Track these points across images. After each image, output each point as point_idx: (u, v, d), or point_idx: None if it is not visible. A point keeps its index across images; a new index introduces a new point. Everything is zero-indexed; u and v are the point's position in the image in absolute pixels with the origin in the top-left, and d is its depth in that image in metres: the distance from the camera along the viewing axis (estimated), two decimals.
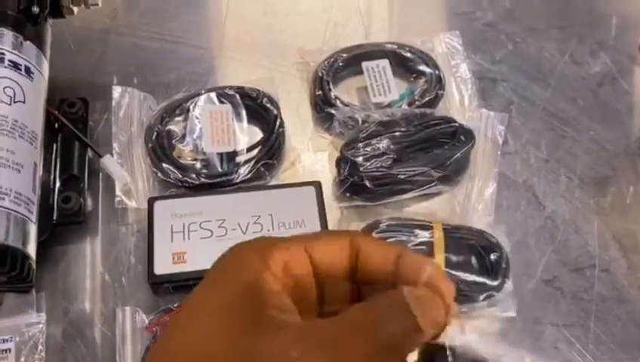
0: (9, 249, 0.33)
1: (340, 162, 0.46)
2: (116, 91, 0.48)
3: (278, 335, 0.20)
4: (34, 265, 0.36)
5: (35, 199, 0.37)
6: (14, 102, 0.38)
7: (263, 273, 0.21)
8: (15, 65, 0.39)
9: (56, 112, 0.45)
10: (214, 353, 0.20)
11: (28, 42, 0.41)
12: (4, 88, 0.37)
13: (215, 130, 0.47)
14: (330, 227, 0.43)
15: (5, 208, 0.34)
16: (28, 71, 0.40)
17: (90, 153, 0.46)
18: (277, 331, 0.20)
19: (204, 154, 0.46)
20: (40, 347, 0.38)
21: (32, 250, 0.36)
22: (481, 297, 0.41)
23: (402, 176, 0.44)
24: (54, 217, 0.42)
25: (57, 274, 0.43)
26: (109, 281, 0.43)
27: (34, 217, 0.37)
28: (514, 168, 0.49)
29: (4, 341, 0.38)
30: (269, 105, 0.48)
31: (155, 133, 0.46)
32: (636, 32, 0.58)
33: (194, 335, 0.21)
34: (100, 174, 0.46)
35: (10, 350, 0.38)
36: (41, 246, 0.41)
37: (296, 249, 0.23)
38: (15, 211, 0.35)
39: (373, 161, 0.44)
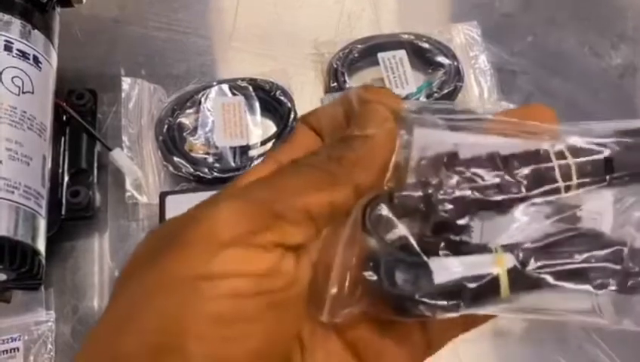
0: (19, 244, 0.32)
1: None
2: (126, 83, 0.46)
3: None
4: (43, 261, 0.34)
5: (44, 193, 0.36)
6: (23, 92, 0.36)
7: None
8: (23, 55, 0.37)
9: (65, 104, 0.44)
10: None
11: (36, 31, 0.39)
12: (13, 78, 0.36)
13: (227, 123, 0.45)
14: None
15: (15, 202, 0.33)
16: (36, 60, 0.38)
17: (99, 146, 0.45)
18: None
19: (217, 147, 0.45)
20: (49, 346, 0.37)
21: (41, 245, 0.35)
22: None
23: None
24: (63, 212, 0.41)
25: (66, 271, 0.41)
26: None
27: (43, 211, 0.35)
28: None
29: (12, 339, 0.37)
30: (282, 97, 0.47)
31: (165, 126, 0.45)
32: None
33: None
34: (109, 168, 0.45)
35: (18, 349, 0.37)
36: (49, 241, 0.40)
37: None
38: (24, 205, 0.33)
39: None
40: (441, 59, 0.49)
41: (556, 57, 0.53)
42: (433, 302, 0.19)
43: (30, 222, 0.34)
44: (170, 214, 0.41)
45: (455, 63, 0.49)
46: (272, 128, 0.46)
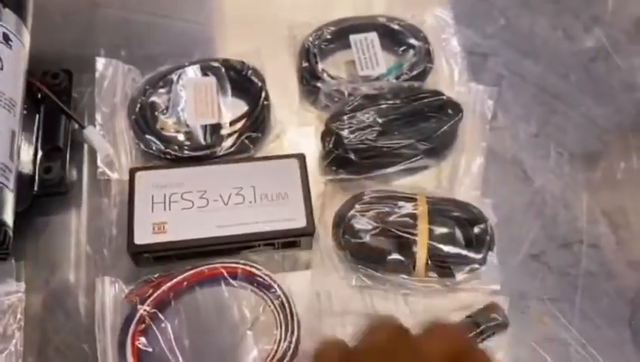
0: None
1: (325, 135, 0.45)
2: (100, 63, 0.47)
3: None
4: (10, 232, 0.35)
5: (12, 167, 0.37)
6: None
7: None
8: None
9: (38, 83, 0.45)
10: None
11: (7, 10, 0.40)
12: None
13: (199, 103, 0.46)
14: (314, 200, 0.43)
15: None
16: (6, 38, 0.39)
17: (74, 125, 0.46)
18: None
19: (188, 126, 0.45)
20: (19, 316, 0.38)
21: (8, 217, 0.36)
22: (465, 270, 0.40)
23: (387, 149, 0.44)
24: (35, 188, 0.42)
25: (39, 245, 0.42)
26: (90, 252, 0.42)
27: (11, 185, 0.36)
28: (503, 143, 0.48)
29: None
30: (254, 77, 0.47)
31: (138, 105, 0.46)
32: (633, 7, 0.57)
33: None
34: (85, 146, 0.46)
35: None
36: (22, 217, 0.41)
37: None
38: None
39: (358, 133, 0.44)
40: (411, 41, 0.50)
41: (528, 40, 0.54)
42: None
43: None
44: (139, 189, 0.42)
45: (425, 45, 0.50)
46: (243, 108, 0.47)
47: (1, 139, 0.36)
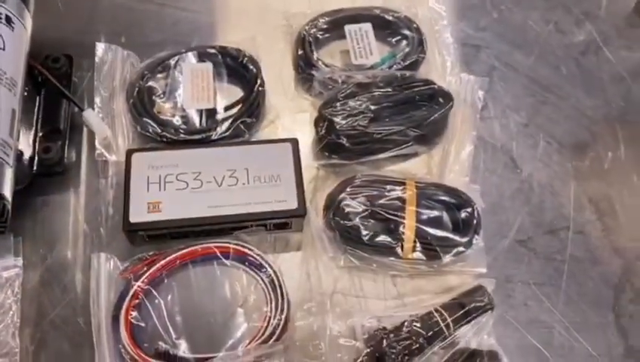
0: None
1: (318, 121, 0.46)
2: (100, 48, 0.48)
3: None
4: (9, 206, 0.37)
5: (12, 144, 0.38)
6: None
7: None
8: None
9: (39, 66, 0.46)
10: None
11: None
12: None
13: (195, 88, 0.47)
14: (306, 184, 0.44)
15: None
16: (8, 20, 0.40)
17: (73, 108, 0.47)
18: None
19: (184, 110, 0.47)
20: (16, 290, 0.39)
21: (7, 191, 0.37)
22: (452, 253, 0.41)
23: (379, 135, 0.45)
24: (34, 167, 0.43)
25: (37, 223, 0.43)
26: (87, 231, 0.43)
27: (10, 161, 0.37)
28: (492, 132, 0.49)
29: None
30: (249, 64, 0.49)
31: (136, 89, 0.47)
32: (623, 2, 0.58)
33: None
34: (84, 129, 0.47)
35: None
36: (22, 195, 0.42)
37: None
38: None
39: (350, 119, 0.45)
40: (405, 31, 0.51)
41: (520, 33, 0.55)
42: None
43: None
44: (135, 169, 0.43)
45: (418, 36, 0.51)
46: (239, 94, 0.48)
47: (2, 116, 0.37)
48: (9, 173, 0.37)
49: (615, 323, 0.42)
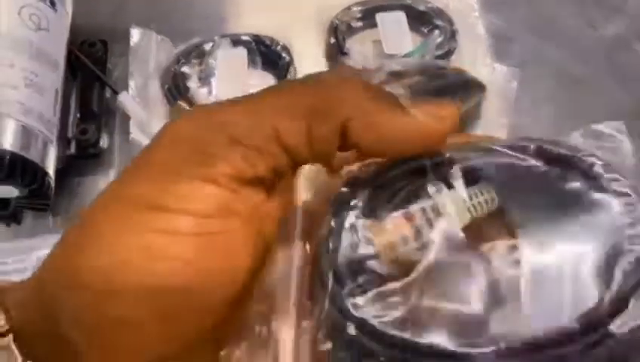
0: (29, 162, 0.35)
1: None
2: (135, 33, 0.49)
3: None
4: (52, 183, 0.37)
5: (55, 122, 0.38)
6: (39, 29, 0.39)
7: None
8: None
9: (77, 51, 0.47)
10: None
11: None
12: (30, 15, 0.39)
13: (229, 74, 0.48)
14: None
15: (27, 124, 0.35)
16: (52, 3, 0.41)
17: (108, 93, 0.48)
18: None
19: (218, 96, 0.47)
20: None
21: (50, 168, 0.37)
22: None
23: None
24: (72, 150, 0.44)
25: (72, 204, 0.44)
26: None
27: (54, 138, 0.38)
28: (524, 124, 0.49)
29: (21, 260, 0.39)
30: (283, 53, 0.49)
31: (171, 75, 0.47)
32: None
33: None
34: (117, 113, 0.48)
35: (26, 269, 0.39)
36: (58, 176, 0.43)
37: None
38: (37, 129, 0.36)
39: None
40: (437, 22, 0.51)
41: (551, 26, 0.55)
42: None
43: (41, 145, 0.36)
44: None
45: (450, 27, 0.51)
46: (271, 80, 0.49)
47: (47, 96, 0.37)
48: (53, 152, 0.38)
49: None
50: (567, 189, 0.19)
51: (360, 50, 0.50)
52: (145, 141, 0.45)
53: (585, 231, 0.18)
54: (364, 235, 0.18)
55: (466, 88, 0.47)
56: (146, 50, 0.49)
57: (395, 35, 0.50)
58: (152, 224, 0.17)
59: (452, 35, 0.51)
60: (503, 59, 0.52)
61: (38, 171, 0.35)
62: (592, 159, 0.20)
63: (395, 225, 0.18)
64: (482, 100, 0.47)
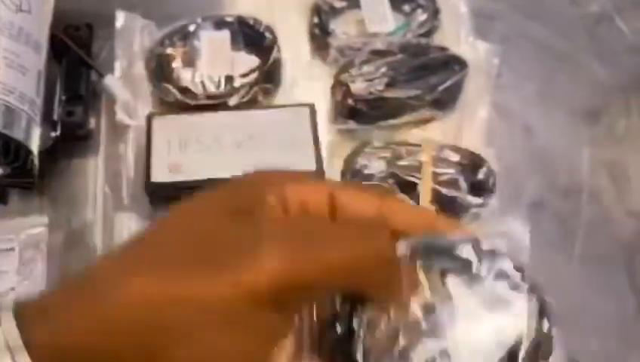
0: (12, 140, 0.35)
1: (335, 86, 0.47)
2: (120, 16, 0.49)
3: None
4: (36, 161, 0.38)
5: (39, 103, 0.39)
6: (20, 10, 0.39)
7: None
8: None
9: (61, 34, 0.47)
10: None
11: None
12: None
13: (213, 55, 0.48)
14: (323, 150, 0.44)
15: (10, 103, 0.36)
16: None
17: (94, 76, 0.48)
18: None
19: (202, 77, 0.47)
20: (42, 246, 0.40)
21: (34, 147, 0.38)
22: (468, 214, 0.42)
23: (395, 100, 0.45)
24: (58, 131, 0.44)
25: (60, 186, 0.44)
26: (108, 193, 0.44)
27: (37, 119, 0.38)
28: (507, 99, 0.50)
29: (9, 240, 0.40)
30: (266, 33, 0.49)
31: (155, 56, 0.48)
32: None
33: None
34: (103, 96, 0.48)
35: (14, 248, 0.40)
36: (45, 158, 0.43)
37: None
38: (20, 108, 0.36)
39: (366, 84, 0.45)
40: (420, 0, 0.51)
41: (534, 4, 0.55)
42: None
43: (25, 124, 0.37)
44: (156, 133, 0.44)
45: (433, 4, 0.51)
46: (255, 62, 0.49)
47: (29, 76, 0.38)
48: (37, 131, 0.38)
49: (629, 283, 0.42)
50: None
51: (344, 30, 0.51)
52: (131, 123, 0.46)
53: None
54: None
55: (448, 65, 0.47)
56: (131, 33, 0.49)
57: (378, 13, 0.51)
58: None
59: (435, 13, 0.51)
60: (485, 36, 0.52)
61: (22, 149, 0.35)
62: None
63: None
64: (464, 78, 0.47)
